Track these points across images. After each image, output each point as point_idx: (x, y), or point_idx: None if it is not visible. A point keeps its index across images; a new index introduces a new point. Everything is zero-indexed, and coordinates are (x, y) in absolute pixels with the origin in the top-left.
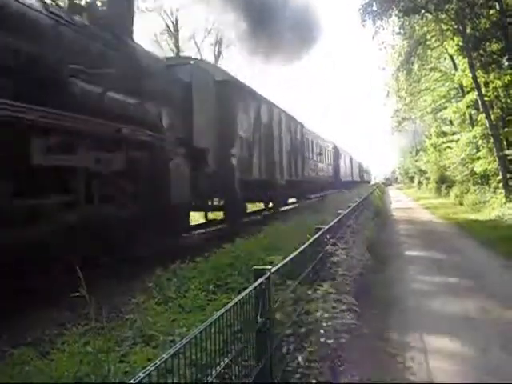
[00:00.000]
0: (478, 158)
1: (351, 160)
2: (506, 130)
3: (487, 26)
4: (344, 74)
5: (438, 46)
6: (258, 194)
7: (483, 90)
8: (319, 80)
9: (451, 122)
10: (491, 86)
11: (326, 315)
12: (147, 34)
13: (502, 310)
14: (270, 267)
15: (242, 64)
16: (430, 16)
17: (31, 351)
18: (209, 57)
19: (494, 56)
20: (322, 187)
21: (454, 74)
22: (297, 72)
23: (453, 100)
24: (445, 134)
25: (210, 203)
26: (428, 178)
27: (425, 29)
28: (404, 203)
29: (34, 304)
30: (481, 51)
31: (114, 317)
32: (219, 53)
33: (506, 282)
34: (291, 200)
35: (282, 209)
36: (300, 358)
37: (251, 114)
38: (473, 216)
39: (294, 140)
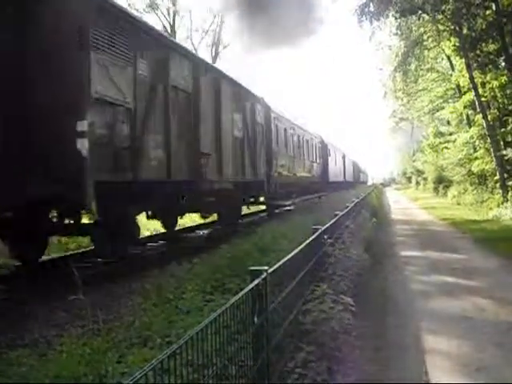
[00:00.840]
0: (476, 158)
1: (344, 157)
2: (502, 130)
3: (484, 26)
4: (343, 72)
5: (434, 46)
6: (163, 203)
7: (480, 90)
8: (318, 77)
9: (448, 122)
10: (488, 86)
11: (324, 316)
12: None
13: (498, 309)
14: (266, 268)
15: (238, 64)
16: (426, 17)
17: (28, 352)
18: (206, 58)
19: (491, 56)
20: (301, 190)
21: (451, 75)
22: (295, 67)
23: (450, 100)
24: (442, 134)
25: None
26: (425, 179)
27: (422, 29)
28: (402, 204)
29: (30, 305)
30: (477, 51)
31: (111, 318)
32: (216, 54)
33: (503, 283)
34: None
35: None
36: (298, 359)
37: (140, 63)
38: (470, 216)
39: (251, 125)
